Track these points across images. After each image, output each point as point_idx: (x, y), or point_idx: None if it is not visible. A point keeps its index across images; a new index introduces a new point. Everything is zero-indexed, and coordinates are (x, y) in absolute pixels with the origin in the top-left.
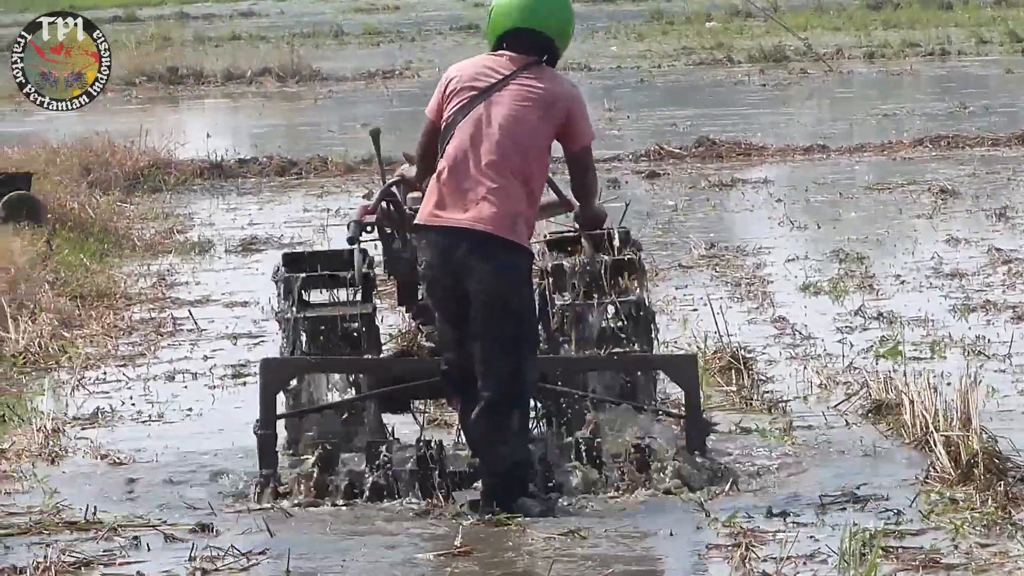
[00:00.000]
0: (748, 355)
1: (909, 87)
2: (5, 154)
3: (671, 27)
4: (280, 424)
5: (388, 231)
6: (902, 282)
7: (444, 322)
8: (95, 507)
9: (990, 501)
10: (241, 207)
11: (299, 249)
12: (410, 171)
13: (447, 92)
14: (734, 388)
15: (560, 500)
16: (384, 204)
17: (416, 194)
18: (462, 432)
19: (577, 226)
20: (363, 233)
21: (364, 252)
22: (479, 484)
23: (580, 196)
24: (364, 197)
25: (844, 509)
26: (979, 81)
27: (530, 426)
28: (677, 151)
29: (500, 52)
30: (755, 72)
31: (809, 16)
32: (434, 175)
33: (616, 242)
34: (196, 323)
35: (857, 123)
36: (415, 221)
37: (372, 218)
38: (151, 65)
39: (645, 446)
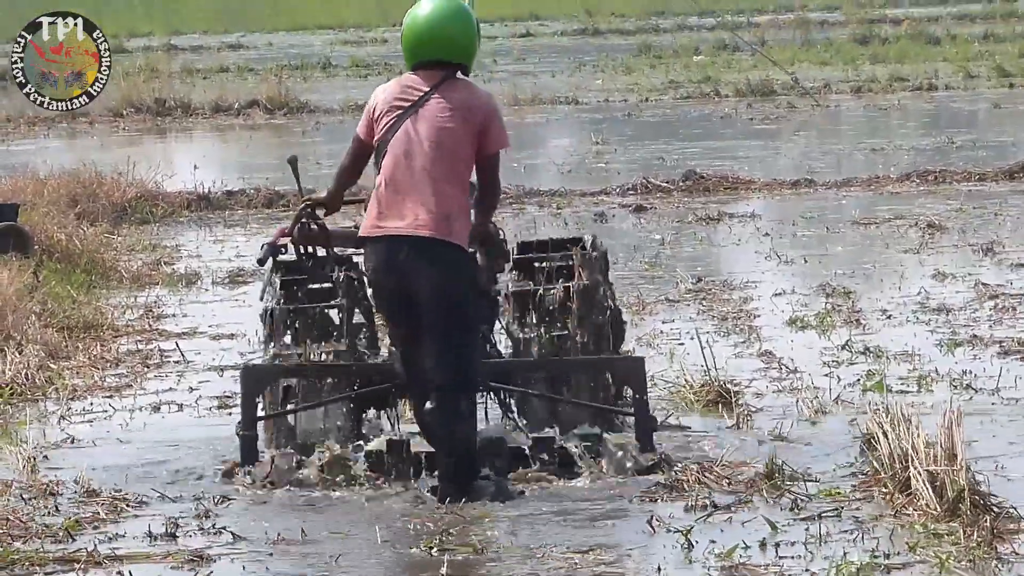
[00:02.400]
0: (735, 388)
1: (896, 121)
2: None
3: (659, 61)
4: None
5: (306, 250)
6: (888, 317)
7: (392, 322)
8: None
9: (975, 535)
10: (228, 239)
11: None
12: (319, 194)
13: (375, 114)
14: (726, 422)
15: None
16: (304, 223)
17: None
18: (417, 423)
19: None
20: (277, 255)
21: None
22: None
23: (481, 205)
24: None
25: (834, 541)
26: (967, 116)
27: (477, 412)
28: (664, 185)
29: (416, 72)
30: (742, 106)
31: (796, 50)
32: (374, 190)
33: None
34: (183, 355)
35: (844, 157)
36: (360, 234)
37: (286, 240)
38: (139, 96)
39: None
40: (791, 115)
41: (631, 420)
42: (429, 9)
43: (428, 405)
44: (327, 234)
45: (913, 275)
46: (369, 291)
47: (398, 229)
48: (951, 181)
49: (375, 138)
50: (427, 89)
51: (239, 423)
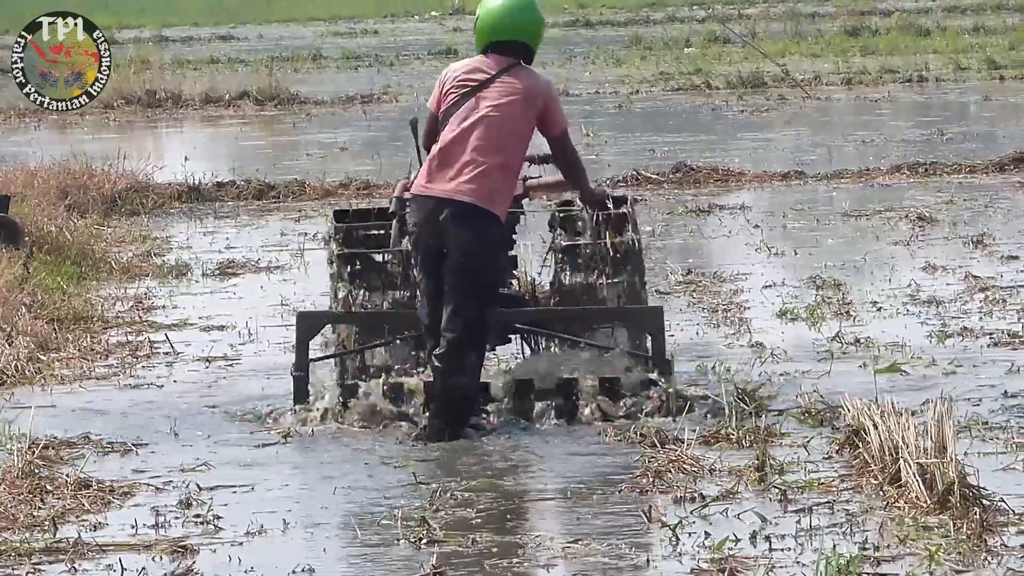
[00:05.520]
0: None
1: (887, 113)
2: None
3: (649, 52)
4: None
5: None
6: (879, 309)
7: (423, 273)
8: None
9: (965, 528)
10: (219, 231)
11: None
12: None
13: (444, 88)
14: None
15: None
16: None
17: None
18: (429, 365)
19: (582, 205)
20: (404, 207)
21: (403, 221)
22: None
23: (569, 175)
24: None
25: (824, 534)
26: (957, 108)
27: (482, 366)
28: (655, 177)
29: (487, 55)
30: (733, 98)
31: (787, 42)
32: (429, 155)
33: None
34: (172, 346)
35: (835, 149)
36: (408, 193)
37: (409, 194)
38: (129, 88)
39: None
40: (782, 107)
41: None
42: None
43: (437, 350)
44: None
45: (903, 267)
46: (408, 243)
47: (442, 191)
48: (941, 173)
49: (441, 109)
50: (495, 72)
51: (293, 364)
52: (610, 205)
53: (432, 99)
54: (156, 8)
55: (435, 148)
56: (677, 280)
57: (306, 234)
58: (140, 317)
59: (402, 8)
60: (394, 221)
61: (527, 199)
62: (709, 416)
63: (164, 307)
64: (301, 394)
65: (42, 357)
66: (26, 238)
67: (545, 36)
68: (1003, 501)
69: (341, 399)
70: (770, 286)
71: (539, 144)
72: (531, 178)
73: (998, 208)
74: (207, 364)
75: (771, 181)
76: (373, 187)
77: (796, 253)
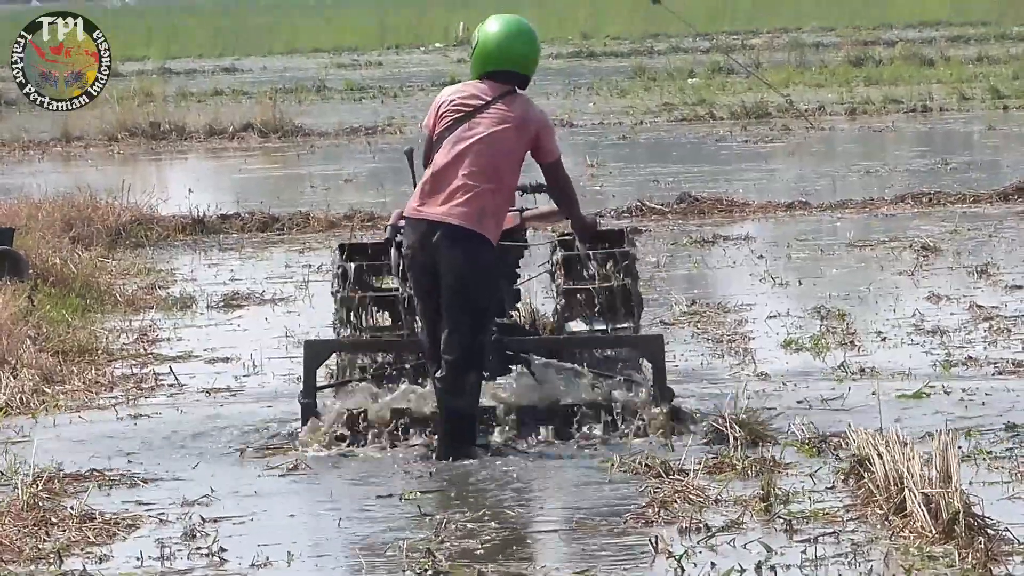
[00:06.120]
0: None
1: (891, 143)
2: None
3: (653, 83)
4: None
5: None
6: (883, 339)
7: (419, 295)
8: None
9: (970, 557)
10: (223, 263)
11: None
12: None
13: (440, 111)
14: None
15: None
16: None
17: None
18: (433, 388)
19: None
20: (398, 234)
21: (400, 248)
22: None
23: (561, 203)
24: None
25: (830, 564)
26: (961, 137)
27: (482, 385)
28: (659, 207)
29: (483, 80)
30: (737, 128)
31: (791, 72)
32: (422, 179)
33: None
34: (176, 378)
35: (839, 179)
36: (403, 214)
37: (403, 215)
38: (133, 120)
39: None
40: (786, 137)
41: None
42: (500, 26)
43: (438, 374)
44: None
45: (908, 297)
46: (404, 266)
47: (434, 214)
48: (945, 203)
49: (436, 131)
50: (490, 98)
51: (301, 392)
52: (601, 225)
53: (427, 120)
54: (159, 39)
55: (428, 172)
56: (681, 311)
57: (310, 266)
58: (145, 349)
59: (406, 39)
60: (392, 248)
61: (526, 229)
62: (709, 437)
63: (169, 339)
64: (308, 421)
65: (47, 390)
66: (31, 270)
67: (549, 67)
68: (1008, 531)
69: (347, 424)
70: (774, 316)
71: (535, 174)
72: (526, 209)
73: (1002, 238)
74: (210, 395)
75: (775, 211)
76: (377, 219)
77: (800, 283)
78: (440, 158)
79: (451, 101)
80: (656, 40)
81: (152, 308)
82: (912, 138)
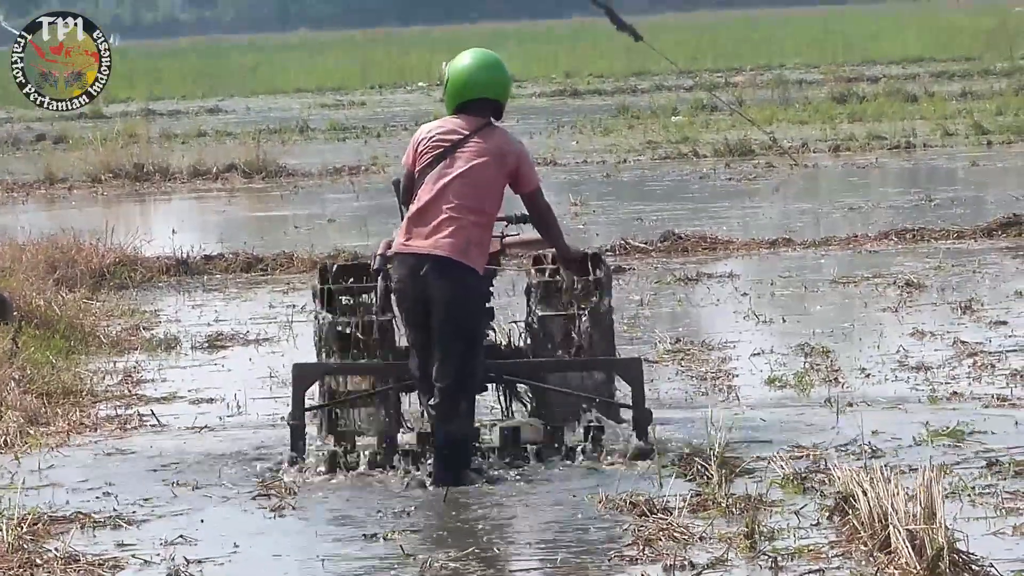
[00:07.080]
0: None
1: (875, 180)
2: None
3: (637, 121)
4: None
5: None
6: (868, 375)
7: (410, 326)
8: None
9: None
10: (207, 303)
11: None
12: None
13: (419, 148)
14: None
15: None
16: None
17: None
18: (425, 414)
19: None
20: (387, 264)
21: (387, 278)
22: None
23: (543, 233)
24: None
25: None
26: (945, 174)
27: (475, 411)
28: (642, 245)
29: (458, 115)
30: (721, 166)
31: (775, 109)
32: (407, 215)
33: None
34: (158, 420)
35: (823, 216)
36: (390, 251)
37: (392, 251)
38: (117, 162)
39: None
40: (769, 174)
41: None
42: (469, 58)
43: (432, 401)
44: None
45: (892, 333)
46: (394, 299)
47: (421, 248)
48: (929, 239)
49: (416, 168)
50: (468, 132)
51: (290, 414)
52: (586, 253)
53: (407, 156)
54: (143, 80)
55: (412, 207)
56: (665, 348)
57: (294, 306)
58: (129, 390)
59: (388, 79)
60: (379, 279)
61: (504, 255)
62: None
63: (153, 380)
64: (297, 444)
65: (31, 431)
66: (15, 312)
67: (533, 105)
68: (992, 567)
69: (339, 453)
70: (758, 354)
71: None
72: (509, 235)
73: (986, 273)
74: (196, 434)
75: (759, 249)
76: (361, 258)
77: (784, 320)
78: (424, 194)
79: (430, 137)
80: (639, 78)
81: (136, 349)
82: (896, 174)
